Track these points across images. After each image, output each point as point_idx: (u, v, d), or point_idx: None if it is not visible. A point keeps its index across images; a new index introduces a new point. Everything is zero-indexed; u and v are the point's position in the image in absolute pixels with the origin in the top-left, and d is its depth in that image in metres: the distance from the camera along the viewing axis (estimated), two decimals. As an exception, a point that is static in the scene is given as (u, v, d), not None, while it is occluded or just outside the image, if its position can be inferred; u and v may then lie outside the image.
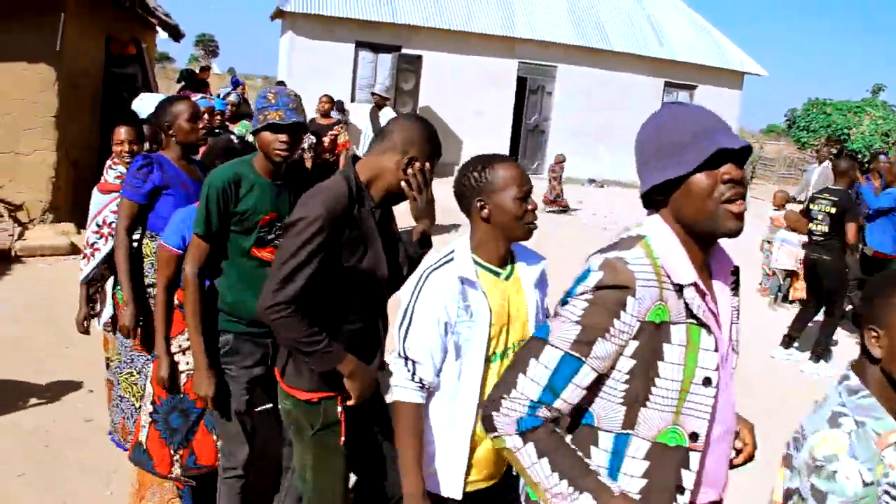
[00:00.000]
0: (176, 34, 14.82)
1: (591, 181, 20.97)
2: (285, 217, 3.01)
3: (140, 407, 3.78)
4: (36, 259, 8.57)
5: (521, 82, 20.41)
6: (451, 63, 19.45)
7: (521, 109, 20.59)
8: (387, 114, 10.80)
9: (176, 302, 3.45)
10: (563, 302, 1.85)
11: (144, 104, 5.31)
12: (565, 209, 16.02)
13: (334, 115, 10.40)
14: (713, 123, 1.83)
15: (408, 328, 2.45)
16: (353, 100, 18.42)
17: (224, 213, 3.09)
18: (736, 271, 2.05)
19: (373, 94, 11.58)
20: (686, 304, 1.81)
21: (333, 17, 18.35)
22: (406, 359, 2.44)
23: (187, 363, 3.46)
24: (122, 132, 4.27)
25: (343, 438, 2.81)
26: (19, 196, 8.73)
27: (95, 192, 4.36)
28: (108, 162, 4.43)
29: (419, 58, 18.85)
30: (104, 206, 4.25)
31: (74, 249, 8.76)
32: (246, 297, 3.13)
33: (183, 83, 12.49)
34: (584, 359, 1.80)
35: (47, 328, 6.52)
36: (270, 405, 3.38)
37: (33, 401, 5.13)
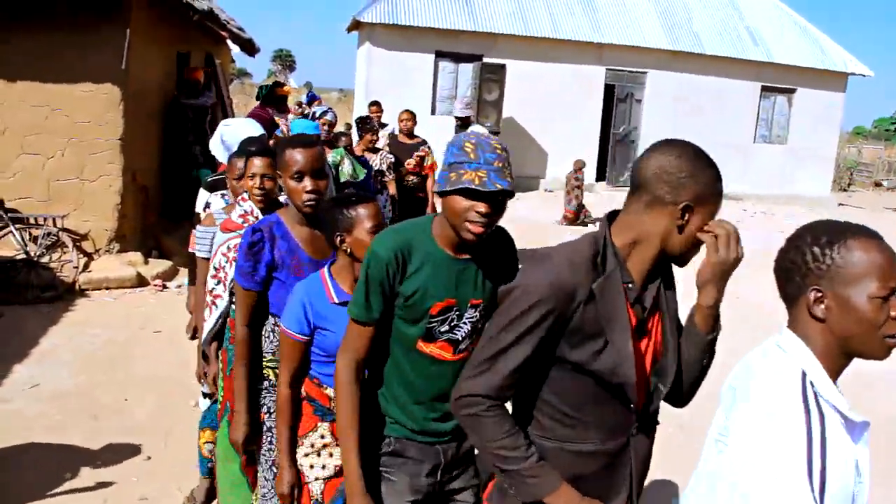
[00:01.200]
0: (250, 48, 14.33)
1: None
2: (465, 305, 2.31)
3: None
4: (101, 292, 8.07)
5: (609, 90, 19.44)
6: (535, 71, 18.59)
7: (609, 118, 19.60)
8: (474, 129, 10.02)
9: (303, 394, 2.77)
10: None
11: (233, 131, 4.53)
12: (584, 223, 14.26)
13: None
14: None
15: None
16: (433, 112, 17.71)
17: (388, 293, 2.29)
18: None
19: (455, 117, 10.59)
20: None
21: (412, 26, 17.78)
22: None
23: (323, 467, 2.74)
24: (256, 163, 3.47)
25: None
26: (84, 225, 8.20)
27: (217, 231, 3.65)
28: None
29: (503, 67, 18.04)
30: (218, 246, 3.54)
31: (141, 281, 8.29)
32: (408, 402, 2.40)
33: (260, 100, 11.87)
34: None
35: (108, 376, 6.03)
36: None
37: (84, 471, 4.49)
